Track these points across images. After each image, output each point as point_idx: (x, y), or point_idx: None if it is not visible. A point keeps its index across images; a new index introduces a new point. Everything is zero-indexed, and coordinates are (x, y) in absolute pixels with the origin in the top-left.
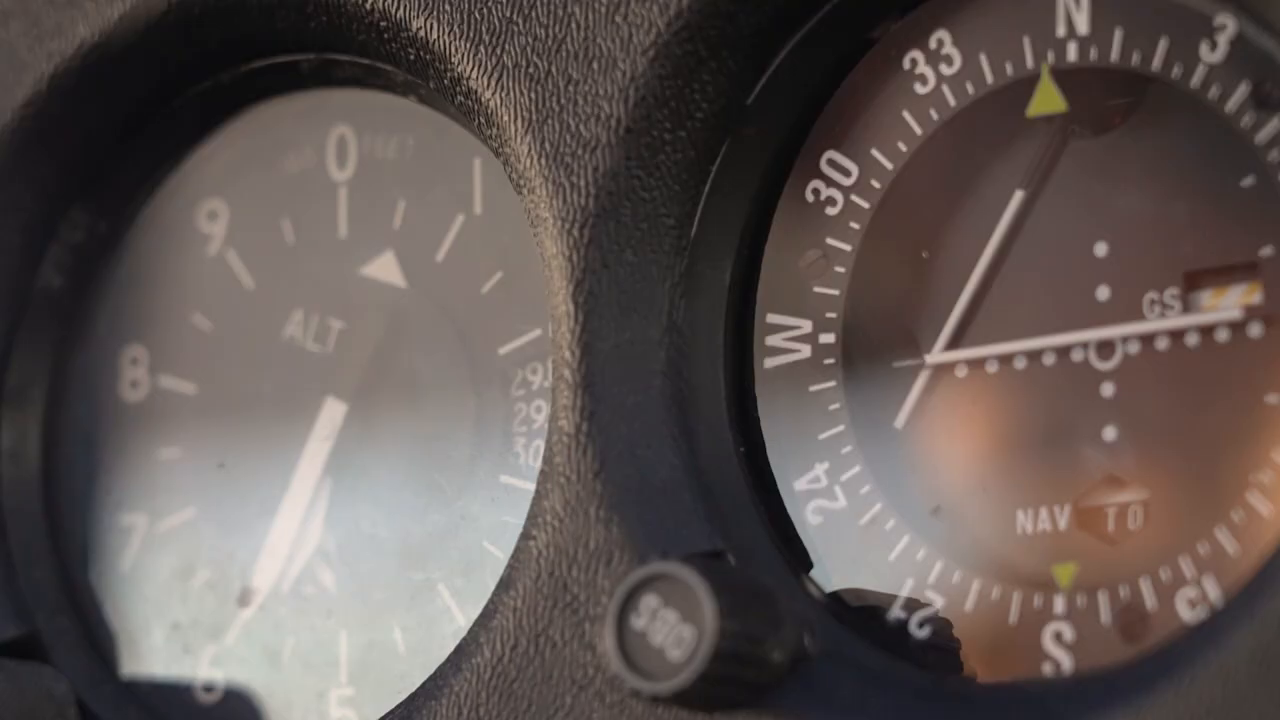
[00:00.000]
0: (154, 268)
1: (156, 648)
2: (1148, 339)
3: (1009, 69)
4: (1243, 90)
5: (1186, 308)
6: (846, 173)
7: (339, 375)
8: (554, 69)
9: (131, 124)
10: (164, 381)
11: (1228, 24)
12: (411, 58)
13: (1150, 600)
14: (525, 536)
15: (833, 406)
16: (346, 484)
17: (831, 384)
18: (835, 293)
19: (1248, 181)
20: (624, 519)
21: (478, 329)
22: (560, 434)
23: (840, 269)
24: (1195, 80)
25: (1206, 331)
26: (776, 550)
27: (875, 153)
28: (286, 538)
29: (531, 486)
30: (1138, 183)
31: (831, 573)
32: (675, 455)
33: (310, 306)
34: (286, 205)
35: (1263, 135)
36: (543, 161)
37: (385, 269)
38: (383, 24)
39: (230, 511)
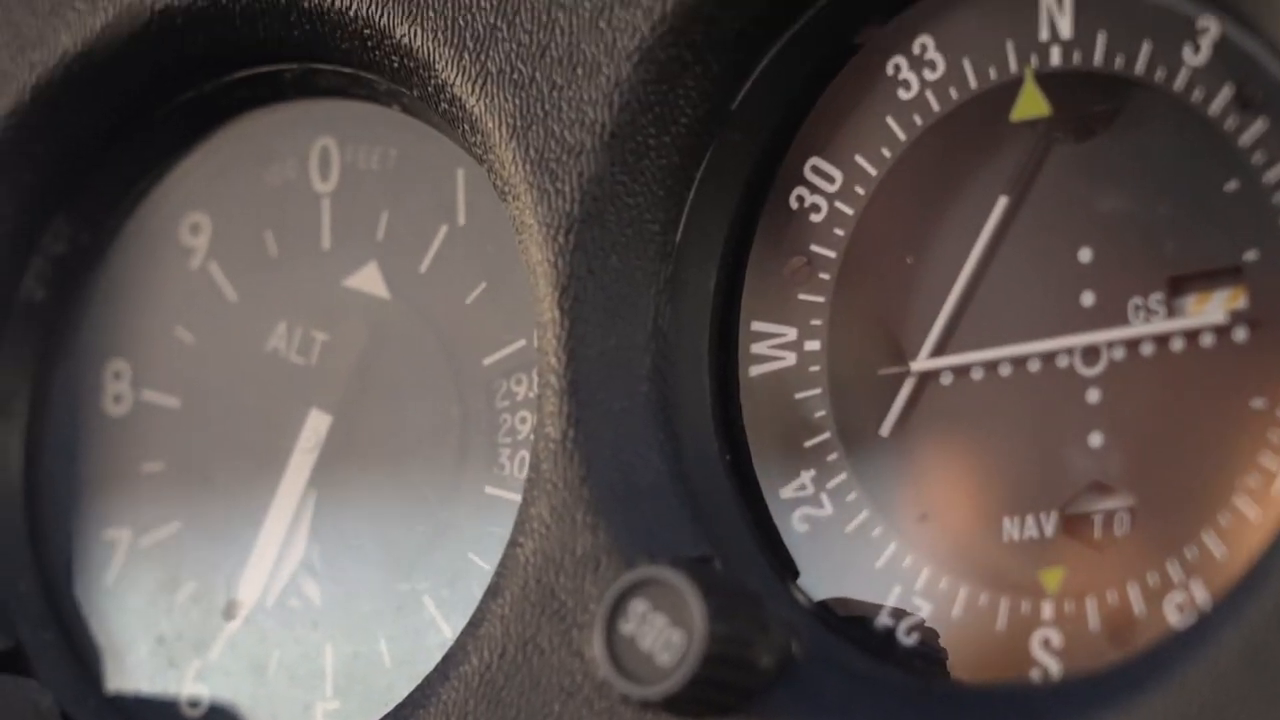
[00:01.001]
0: (136, 280)
1: (141, 661)
2: (1133, 344)
3: (992, 73)
4: (1226, 93)
5: (1171, 313)
6: (830, 179)
7: (323, 387)
8: (538, 75)
9: (114, 135)
10: (147, 395)
11: (1210, 26)
12: (395, 66)
13: (1138, 605)
14: (512, 544)
15: (818, 414)
16: (331, 496)
17: (817, 391)
18: (820, 299)
19: (1232, 185)
20: (610, 524)
21: (462, 340)
22: (546, 440)
23: (825, 275)
24: (1179, 83)
25: (1191, 336)
26: (763, 557)
27: (859, 159)
28: (271, 550)
29: (516, 497)
30: (1122, 187)
31: (819, 580)
32: (661, 461)
33: (294, 318)
34: (269, 217)
35: (1246, 138)
36: (527, 168)
37: (369, 280)
38: (366, 32)
39: (215, 525)
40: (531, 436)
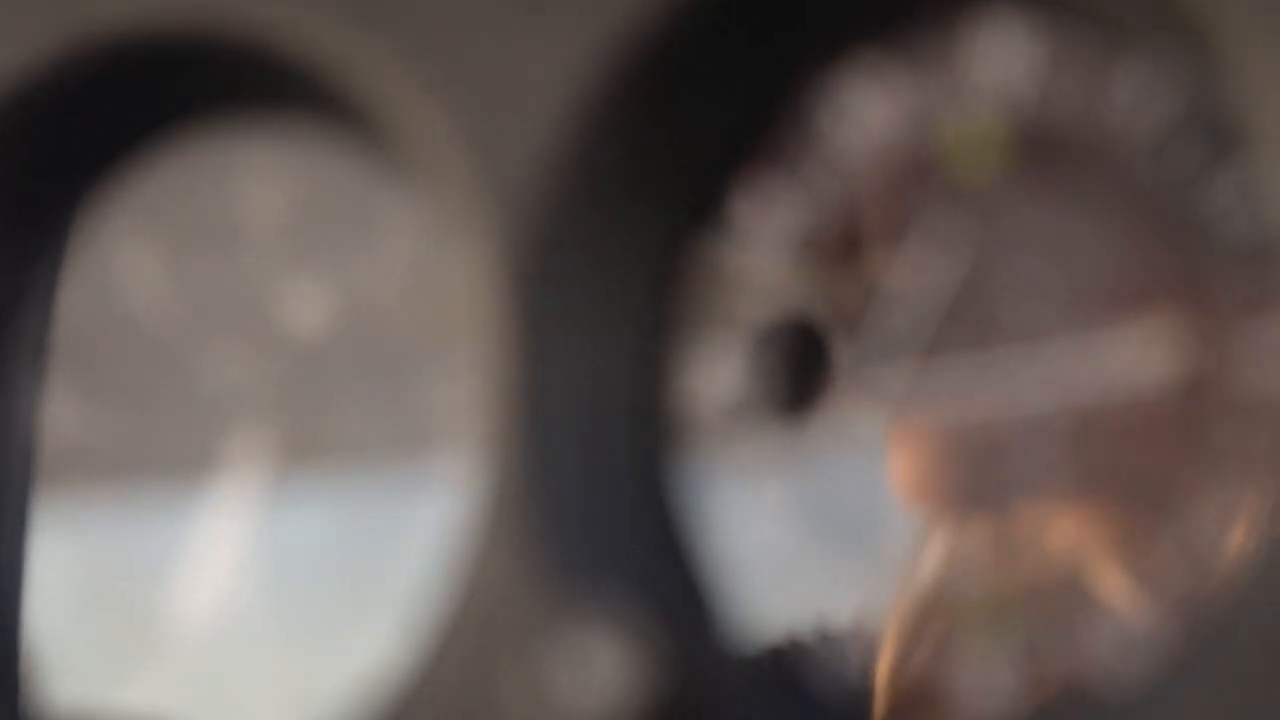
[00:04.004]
0: (71, 312)
1: (75, 674)
2: (1079, 385)
3: (928, 126)
4: (1168, 141)
5: (1112, 353)
6: (764, 228)
7: (261, 425)
8: (488, 114)
9: (48, 167)
10: (80, 412)
11: (1161, 79)
12: (343, 105)
13: (1092, 645)
14: (454, 591)
15: (765, 454)
16: (272, 512)
17: (764, 431)
18: (766, 342)
19: (1173, 229)
20: (554, 569)
21: (408, 369)
22: (490, 485)
23: (770, 319)
24: (1121, 132)
25: (1133, 377)
26: (703, 595)
27: (797, 208)
28: (209, 565)
29: (462, 541)
30: (1061, 237)
31: (757, 616)
32: (605, 503)
33: (233, 353)
34: (210, 251)
35: (1185, 182)
36: (477, 207)
37: (314, 315)
38: (314, 72)
39: (152, 539)
40: (476, 479)
